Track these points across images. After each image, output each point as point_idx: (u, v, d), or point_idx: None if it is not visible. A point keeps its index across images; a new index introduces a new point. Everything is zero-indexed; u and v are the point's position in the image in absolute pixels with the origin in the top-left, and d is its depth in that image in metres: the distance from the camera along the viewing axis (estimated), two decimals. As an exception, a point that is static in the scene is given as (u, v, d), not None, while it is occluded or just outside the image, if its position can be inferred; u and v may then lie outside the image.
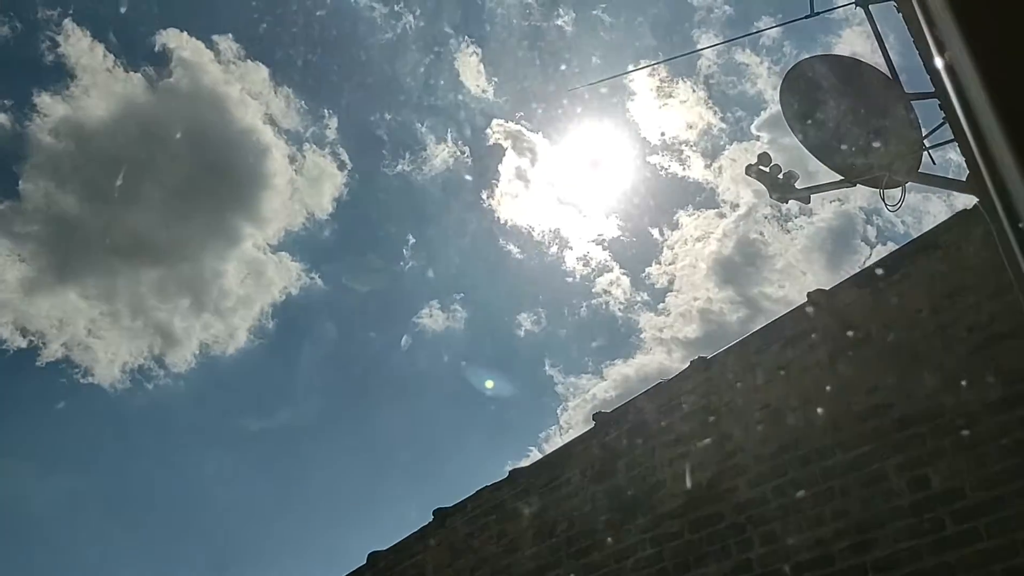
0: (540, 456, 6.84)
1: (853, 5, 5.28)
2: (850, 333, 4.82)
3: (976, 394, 4.19)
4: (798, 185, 6.39)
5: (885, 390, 4.57)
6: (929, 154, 5.05)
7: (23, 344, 21.60)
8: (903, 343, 4.56)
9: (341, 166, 27.95)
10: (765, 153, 6.42)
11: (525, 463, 6.86)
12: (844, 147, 5.70)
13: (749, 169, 6.37)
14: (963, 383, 4.25)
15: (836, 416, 4.74)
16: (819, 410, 4.82)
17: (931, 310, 4.46)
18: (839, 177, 5.85)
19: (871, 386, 4.63)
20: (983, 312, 4.27)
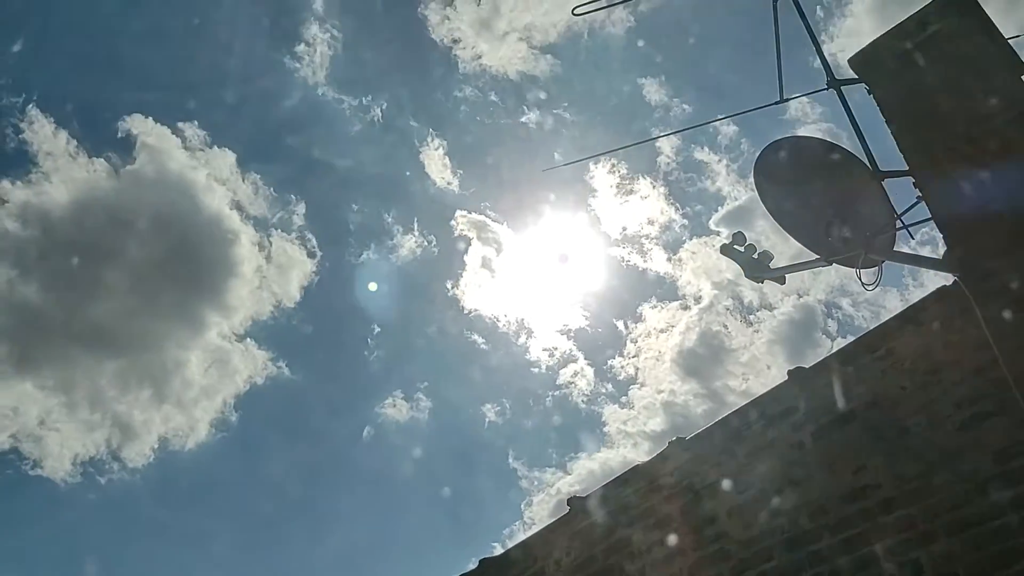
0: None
1: (825, 88, 5.39)
2: (834, 411, 4.71)
3: (966, 473, 4.07)
4: (772, 265, 6.38)
5: (872, 470, 4.44)
6: (908, 231, 5.07)
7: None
8: (888, 421, 4.45)
9: (311, 253, 27.85)
10: (740, 232, 6.42)
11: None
12: (818, 227, 5.71)
13: (724, 249, 6.35)
14: (952, 462, 4.13)
15: (822, 498, 4.57)
16: (804, 492, 4.65)
17: (916, 387, 4.38)
18: (814, 256, 5.84)
19: (857, 466, 4.50)
20: (968, 389, 4.20)
